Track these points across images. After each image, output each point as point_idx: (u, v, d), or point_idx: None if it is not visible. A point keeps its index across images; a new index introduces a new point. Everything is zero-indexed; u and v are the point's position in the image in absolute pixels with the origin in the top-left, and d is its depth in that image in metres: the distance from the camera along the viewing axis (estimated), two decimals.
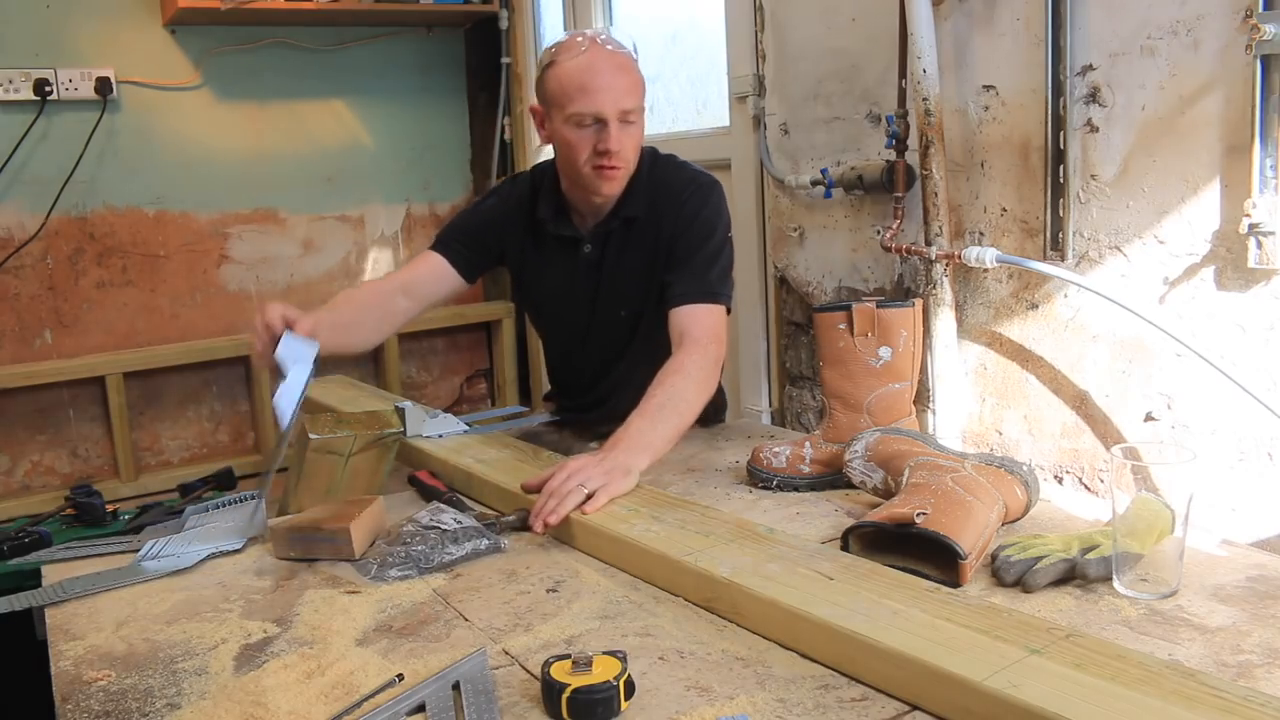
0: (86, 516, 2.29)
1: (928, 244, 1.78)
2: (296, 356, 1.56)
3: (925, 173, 1.75)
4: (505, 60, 3.29)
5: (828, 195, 2.01)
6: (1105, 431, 1.60)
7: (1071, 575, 1.16)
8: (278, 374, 1.56)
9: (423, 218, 3.49)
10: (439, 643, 1.10)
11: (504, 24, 3.26)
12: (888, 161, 1.86)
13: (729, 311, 1.74)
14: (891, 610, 1.02)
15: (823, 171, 2.01)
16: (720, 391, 2.03)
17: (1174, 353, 1.48)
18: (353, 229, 3.38)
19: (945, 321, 1.78)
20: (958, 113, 1.75)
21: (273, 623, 1.17)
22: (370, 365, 3.39)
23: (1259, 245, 1.34)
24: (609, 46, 1.68)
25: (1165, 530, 1.13)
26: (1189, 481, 1.14)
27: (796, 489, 1.57)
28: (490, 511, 1.52)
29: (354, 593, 1.24)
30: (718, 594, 1.13)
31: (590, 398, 2.00)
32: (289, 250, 3.28)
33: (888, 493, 1.42)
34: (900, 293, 1.92)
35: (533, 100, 1.77)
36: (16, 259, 2.88)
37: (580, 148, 1.68)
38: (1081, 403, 1.63)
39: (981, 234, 1.75)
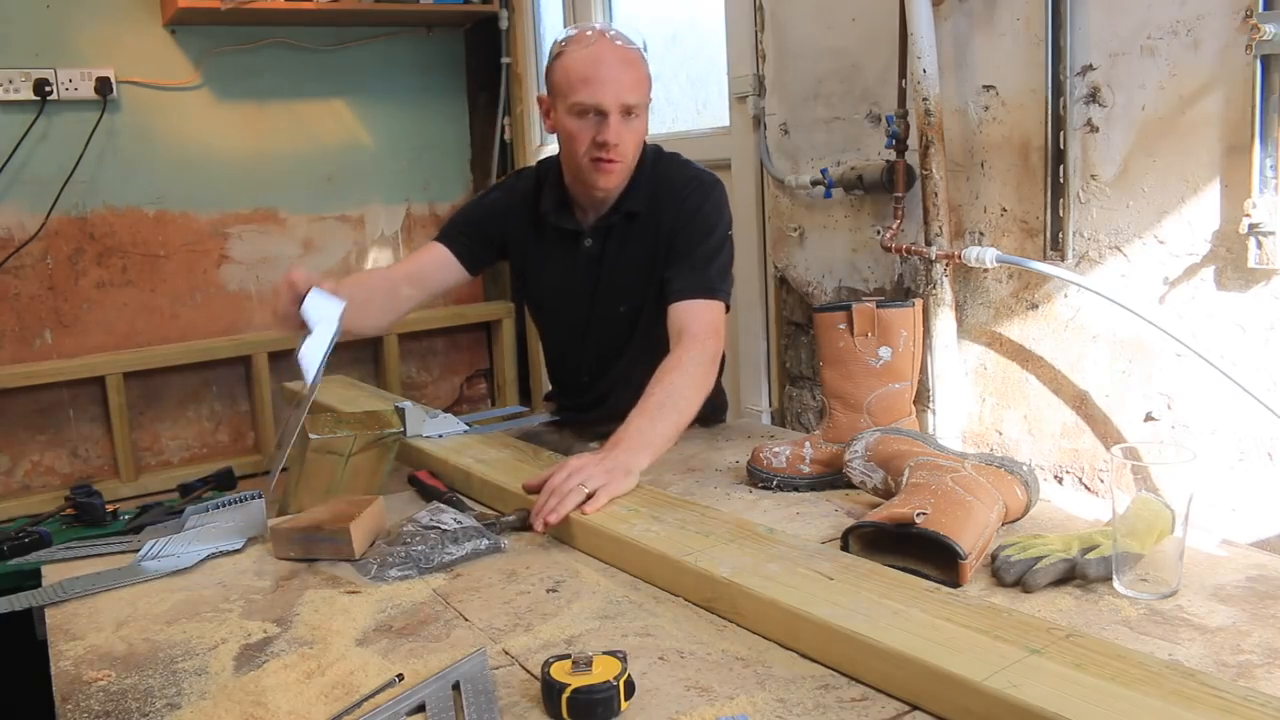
0: (86, 516, 2.29)
1: (928, 244, 1.78)
2: (323, 312, 1.56)
3: (925, 173, 1.75)
4: (505, 60, 3.29)
5: (828, 195, 2.01)
6: (1105, 431, 1.60)
7: (1071, 575, 1.16)
8: (299, 331, 1.56)
9: (423, 218, 3.49)
10: (439, 643, 1.10)
11: (504, 24, 3.26)
12: (888, 161, 1.86)
13: (728, 309, 1.75)
14: (891, 610, 1.02)
15: (823, 171, 2.01)
16: (721, 391, 2.03)
17: (1174, 353, 1.48)
18: (353, 229, 3.38)
19: (945, 321, 1.78)
20: (958, 113, 1.75)
21: (273, 623, 1.17)
22: (370, 365, 3.39)
23: (1259, 245, 1.34)
24: (618, 41, 1.69)
25: (1165, 530, 1.13)
26: (1189, 481, 1.14)
27: (796, 489, 1.57)
28: (490, 511, 1.52)
29: (354, 593, 1.24)
30: (718, 594, 1.13)
31: (589, 397, 2.00)
32: (289, 250, 3.28)
33: (888, 493, 1.42)
34: (900, 293, 1.92)
35: (541, 91, 1.79)
36: (16, 259, 2.88)
37: (580, 138, 1.69)
38: (1081, 403, 1.63)
39: (981, 234, 1.75)
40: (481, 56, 3.40)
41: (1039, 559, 1.17)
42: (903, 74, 1.81)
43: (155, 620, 1.19)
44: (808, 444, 1.60)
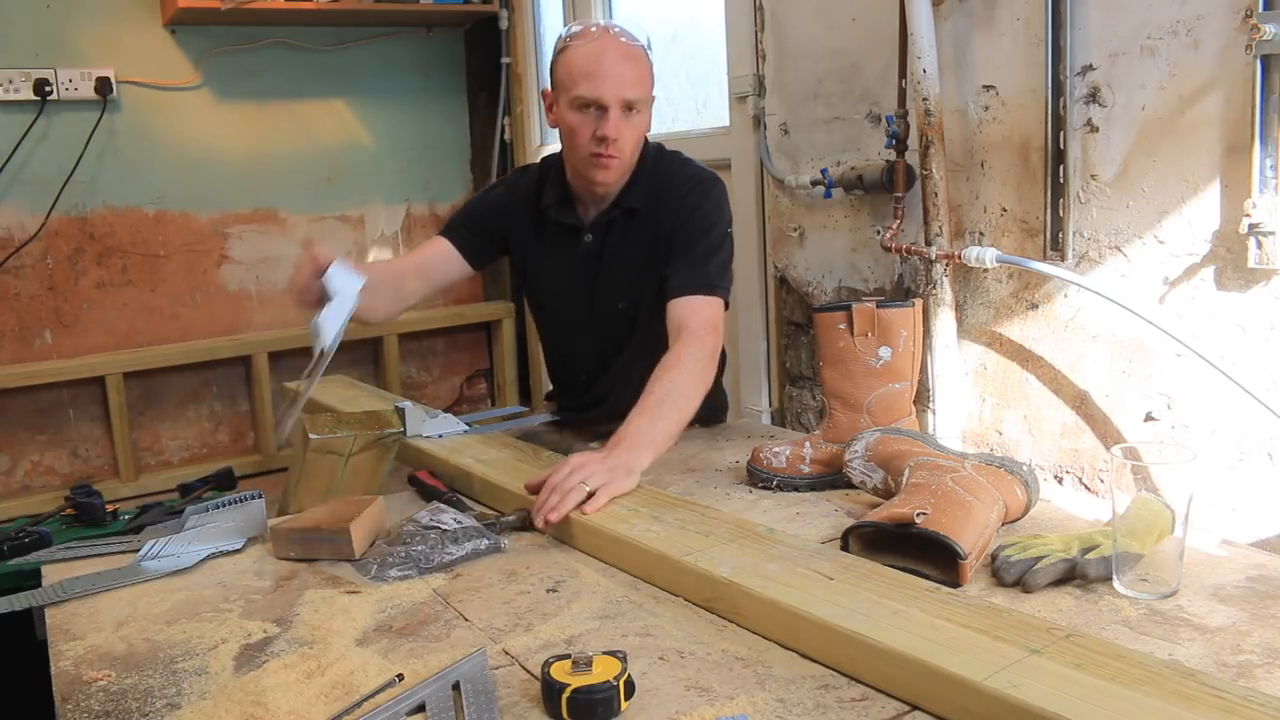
0: (86, 516, 2.28)
1: (928, 244, 1.78)
2: (343, 284, 1.59)
3: (925, 173, 1.75)
4: (505, 60, 3.29)
5: (828, 195, 2.01)
6: (1105, 431, 1.60)
7: (1071, 575, 1.16)
8: (318, 304, 1.60)
9: (423, 218, 3.49)
10: (439, 643, 1.10)
11: (504, 24, 3.26)
12: (888, 161, 1.86)
13: (727, 306, 1.75)
14: (891, 610, 1.02)
15: (823, 171, 2.01)
16: (721, 391, 2.03)
17: (1174, 353, 1.48)
18: (353, 229, 3.38)
19: (945, 321, 1.78)
20: (958, 113, 1.75)
21: (273, 623, 1.17)
22: (370, 365, 3.39)
23: (1259, 245, 1.34)
24: (621, 38, 1.71)
25: (1165, 530, 1.13)
26: (1189, 481, 1.14)
27: (796, 489, 1.57)
28: (490, 511, 1.52)
29: (354, 593, 1.24)
30: (718, 594, 1.13)
31: (589, 396, 2.00)
32: (289, 250, 3.28)
33: (888, 493, 1.42)
34: (900, 293, 1.92)
35: (544, 89, 1.81)
36: (16, 259, 2.88)
37: (581, 132, 1.70)
38: (1081, 403, 1.63)
39: (981, 234, 1.75)
40: (481, 56, 3.40)
41: (1039, 559, 1.17)
42: (903, 74, 1.81)
43: (155, 620, 1.19)
44: (808, 444, 1.60)
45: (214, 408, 3.19)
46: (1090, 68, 1.54)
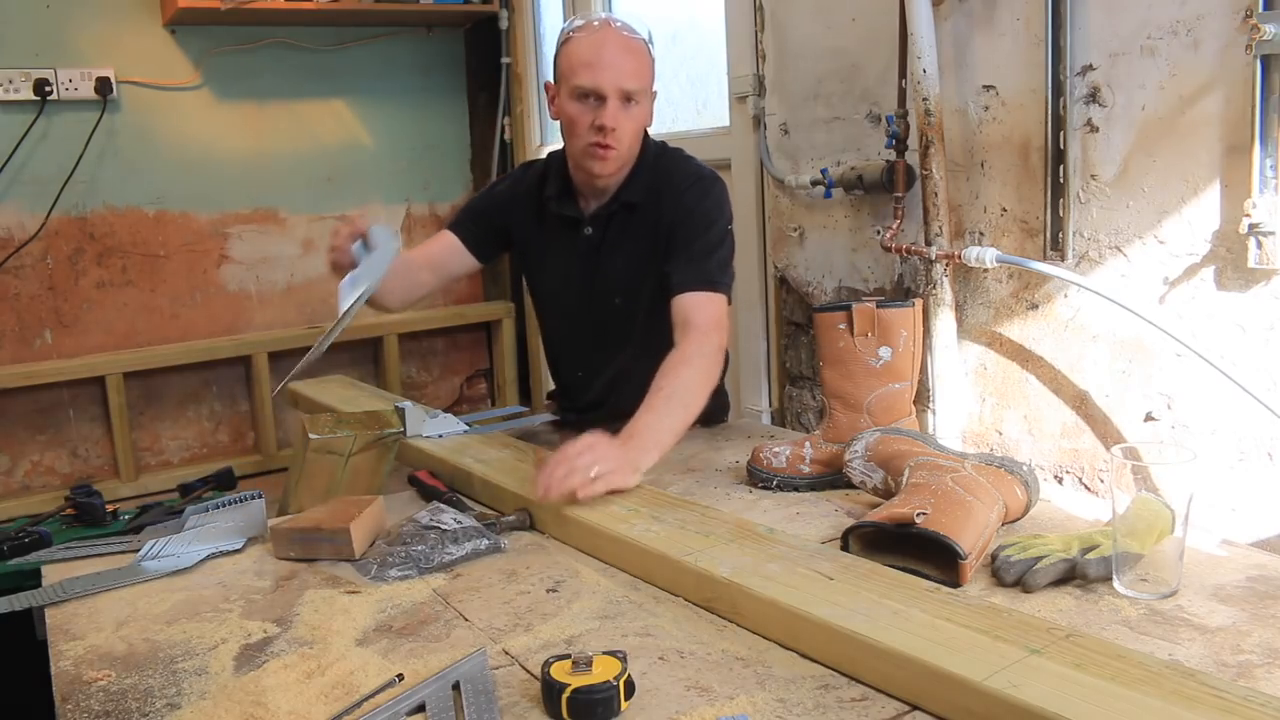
0: (86, 516, 2.29)
1: (928, 244, 1.78)
2: (384, 239, 1.66)
3: (925, 173, 1.75)
4: (505, 60, 3.29)
5: (828, 195, 2.01)
6: (1105, 431, 1.60)
7: (1071, 575, 1.16)
8: (351, 268, 1.65)
9: (423, 218, 3.49)
10: (439, 643, 1.10)
11: (504, 24, 3.26)
12: (888, 161, 1.86)
13: (729, 302, 1.75)
14: (891, 610, 1.02)
15: (823, 171, 2.01)
16: (723, 392, 2.03)
17: (1174, 353, 1.48)
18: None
19: (945, 321, 1.78)
20: (958, 113, 1.75)
21: (273, 623, 1.17)
22: (370, 365, 3.39)
23: (1259, 245, 1.34)
24: (623, 31, 1.73)
25: (1165, 530, 1.13)
26: (1189, 481, 1.14)
27: (796, 489, 1.57)
28: (490, 511, 1.52)
29: (354, 593, 1.24)
30: (718, 594, 1.13)
31: (589, 396, 2.00)
32: (289, 250, 3.28)
33: (888, 493, 1.42)
34: (900, 293, 1.92)
35: (548, 86, 1.83)
36: (16, 259, 2.88)
37: (579, 122, 1.72)
38: (1081, 403, 1.63)
39: (981, 234, 1.75)
40: (481, 56, 3.40)
41: (1039, 559, 1.17)
42: (903, 74, 1.81)
43: (155, 620, 1.19)
44: (808, 444, 1.59)
45: (214, 408, 3.19)
46: (1090, 68, 1.54)
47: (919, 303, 1.63)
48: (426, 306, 3.32)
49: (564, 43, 1.76)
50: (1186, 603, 1.11)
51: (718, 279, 1.73)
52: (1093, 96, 1.54)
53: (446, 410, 1.96)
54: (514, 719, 0.94)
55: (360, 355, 3.37)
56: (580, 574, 1.28)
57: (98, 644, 1.13)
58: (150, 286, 3.08)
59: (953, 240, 1.77)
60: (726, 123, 2.36)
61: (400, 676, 1.01)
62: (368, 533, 1.38)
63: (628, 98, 1.71)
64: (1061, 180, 1.59)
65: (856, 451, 1.49)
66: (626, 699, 0.94)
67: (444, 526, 1.37)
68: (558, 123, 1.81)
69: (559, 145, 1.88)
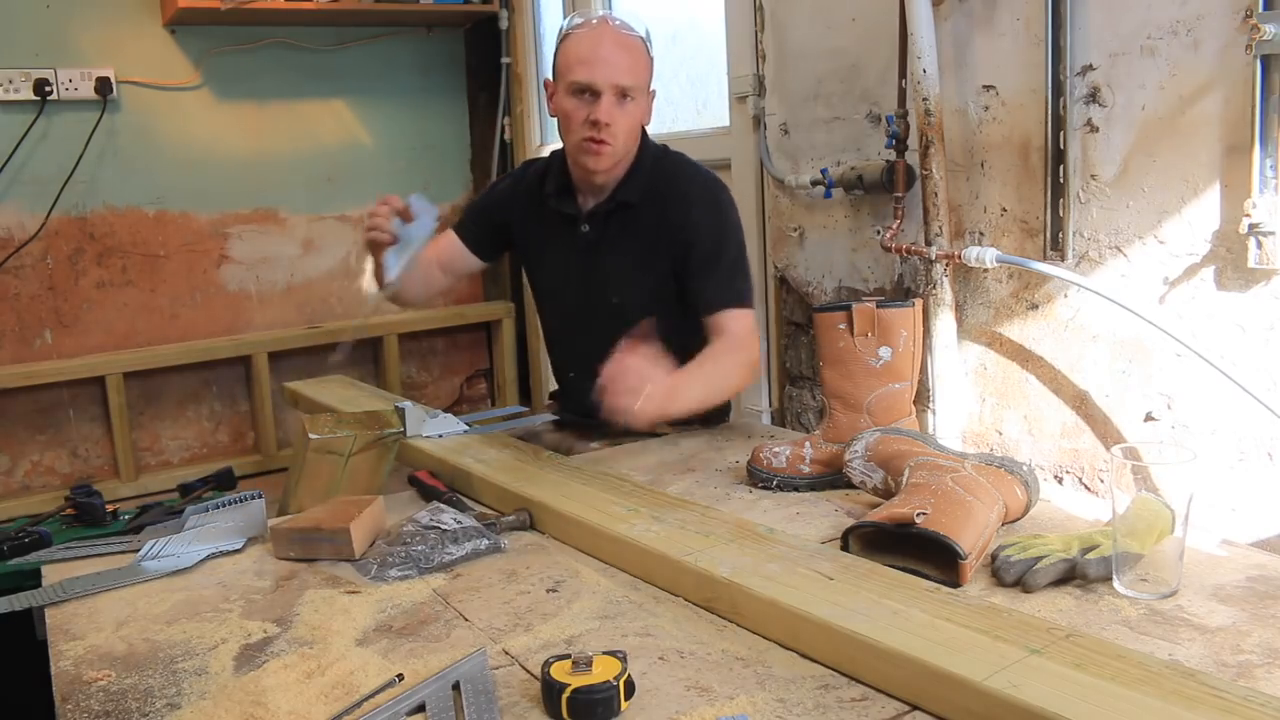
0: (86, 516, 2.29)
1: (928, 244, 1.78)
2: (423, 209, 1.68)
3: (925, 173, 1.75)
4: (505, 60, 3.29)
5: (828, 195, 2.01)
6: (1105, 431, 1.60)
7: (1071, 575, 1.16)
8: (391, 244, 1.68)
9: None
10: (439, 643, 1.10)
11: (504, 24, 3.26)
12: (888, 161, 1.86)
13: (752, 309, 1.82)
14: (891, 610, 1.02)
15: (823, 171, 2.01)
16: None
17: (1174, 353, 1.48)
18: (353, 229, 3.38)
19: (945, 321, 1.78)
20: (958, 113, 1.75)
21: (273, 623, 1.17)
22: (370, 365, 3.39)
23: (1259, 245, 1.34)
24: (622, 30, 1.75)
25: (1165, 530, 1.13)
26: (1189, 481, 1.14)
27: (796, 489, 1.57)
28: (490, 511, 1.52)
29: (354, 593, 1.24)
30: (718, 594, 1.13)
31: (590, 398, 2.00)
32: (289, 250, 3.28)
33: (888, 493, 1.42)
34: (900, 293, 1.92)
35: (547, 86, 1.85)
36: (16, 259, 2.88)
37: (574, 117, 1.75)
38: (1081, 403, 1.63)
39: (981, 234, 1.75)
40: (481, 56, 3.40)
41: (1039, 559, 1.17)
42: (903, 74, 1.81)
43: (155, 620, 1.19)
44: (808, 444, 1.59)
45: (214, 408, 3.19)
46: (1090, 68, 1.54)
47: (919, 303, 1.63)
48: (426, 306, 3.32)
49: (562, 40, 1.78)
50: (1186, 603, 1.11)
51: (746, 294, 1.79)
52: (1093, 96, 1.54)
53: (446, 410, 1.96)
54: (514, 719, 0.94)
55: (360, 355, 3.37)
56: (580, 574, 1.28)
57: (98, 644, 1.13)
58: (150, 286, 3.08)
59: (953, 240, 1.77)
60: (726, 123, 2.36)
61: (400, 676, 1.01)
62: (368, 533, 1.38)
63: (623, 94, 1.73)
64: (1061, 180, 1.59)
65: (856, 451, 1.49)
66: (626, 699, 0.94)
67: (444, 526, 1.37)
68: (557, 120, 1.83)
69: (559, 145, 1.88)
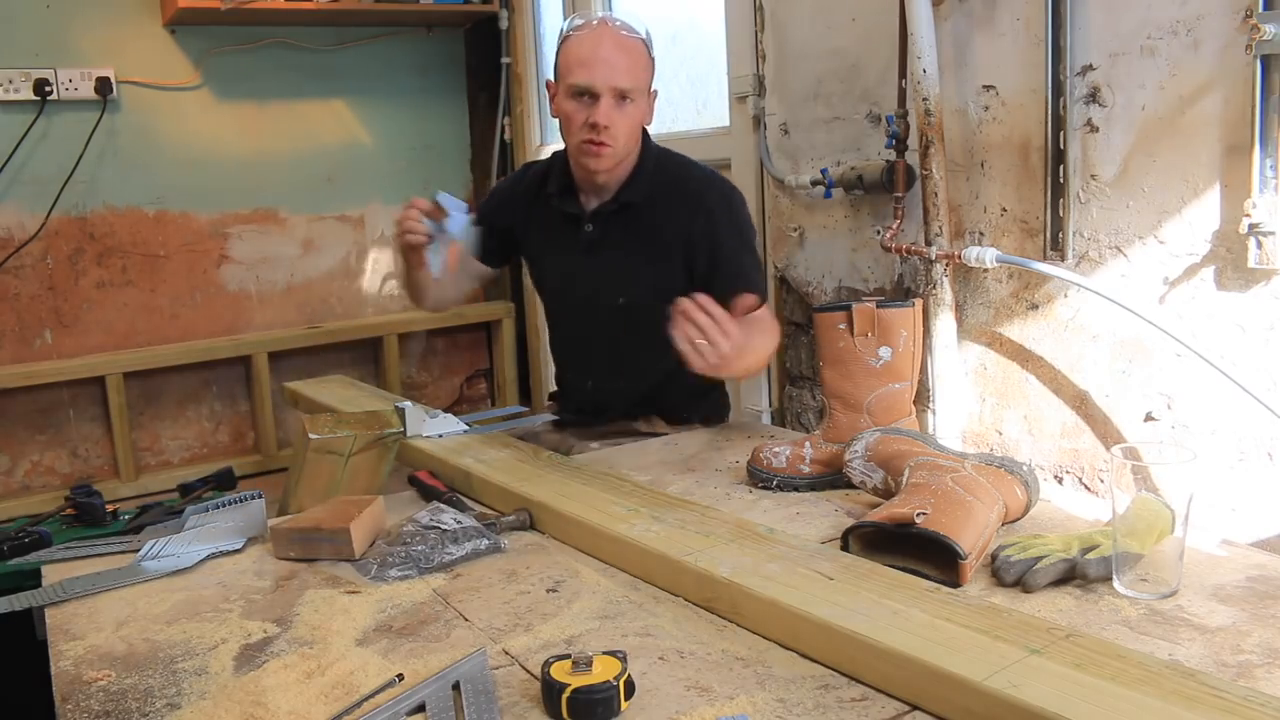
0: (86, 516, 2.29)
1: (928, 244, 1.78)
2: (453, 204, 1.73)
3: (925, 173, 1.75)
4: (505, 60, 3.29)
5: (828, 195, 2.01)
6: (1105, 431, 1.60)
7: (1071, 575, 1.16)
8: (425, 246, 1.73)
9: None
10: (439, 643, 1.10)
11: (504, 24, 3.26)
12: (888, 161, 1.86)
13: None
14: (891, 610, 1.02)
15: (823, 171, 2.01)
16: (722, 391, 2.03)
17: (1174, 353, 1.48)
18: (353, 229, 3.38)
19: (945, 321, 1.78)
20: (958, 113, 1.75)
21: (273, 623, 1.17)
22: (370, 365, 3.39)
23: (1259, 245, 1.34)
24: (622, 31, 1.76)
25: (1165, 530, 1.13)
26: (1189, 481, 1.14)
27: (796, 489, 1.57)
28: (490, 511, 1.52)
29: (354, 593, 1.24)
30: (718, 594, 1.13)
31: (593, 398, 2.00)
32: (289, 250, 3.28)
33: (888, 493, 1.42)
34: (900, 293, 1.92)
35: (548, 86, 1.86)
36: (16, 259, 2.88)
37: (574, 119, 1.76)
38: (1081, 403, 1.63)
39: (981, 234, 1.75)
40: (481, 56, 3.40)
41: (1039, 559, 1.17)
42: (903, 74, 1.81)
43: (155, 620, 1.19)
44: (808, 444, 1.59)
45: (214, 408, 3.19)
46: (1090, 68, 1.54)
47: (919, 303, 1.63)
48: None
49: (563, 41, 1.78)
50: (1186, 603, 1.11)
51: (764, 291, 1.84)
52: (1093, 96, 1.54)
53: (446, 410, 1.96)
54: (514, 719, 0.94)
55: (360, 355, 3.37)
56: (580, 574, 1.28)
57: (98, 644, 1.13)
58: (150, 286, 3.08)
59: (953, 240, 1.77)
60: (726, 123, 2.36)
61: (400, 676, 1.01)
62: (368, 533, 1.38)
63: (622, 96, 1.73)
64: (1061, 180, 1.59)
65: (856, 451, 1.49)
66: (626, 699, 0.94)
67: (444, 526, 1.37)
68: (558, 121, 1.83)
69: (559, 145, 1.89)
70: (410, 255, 1.78)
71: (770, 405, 2.33)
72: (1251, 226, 1.33)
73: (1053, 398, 1.67)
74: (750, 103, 2.23)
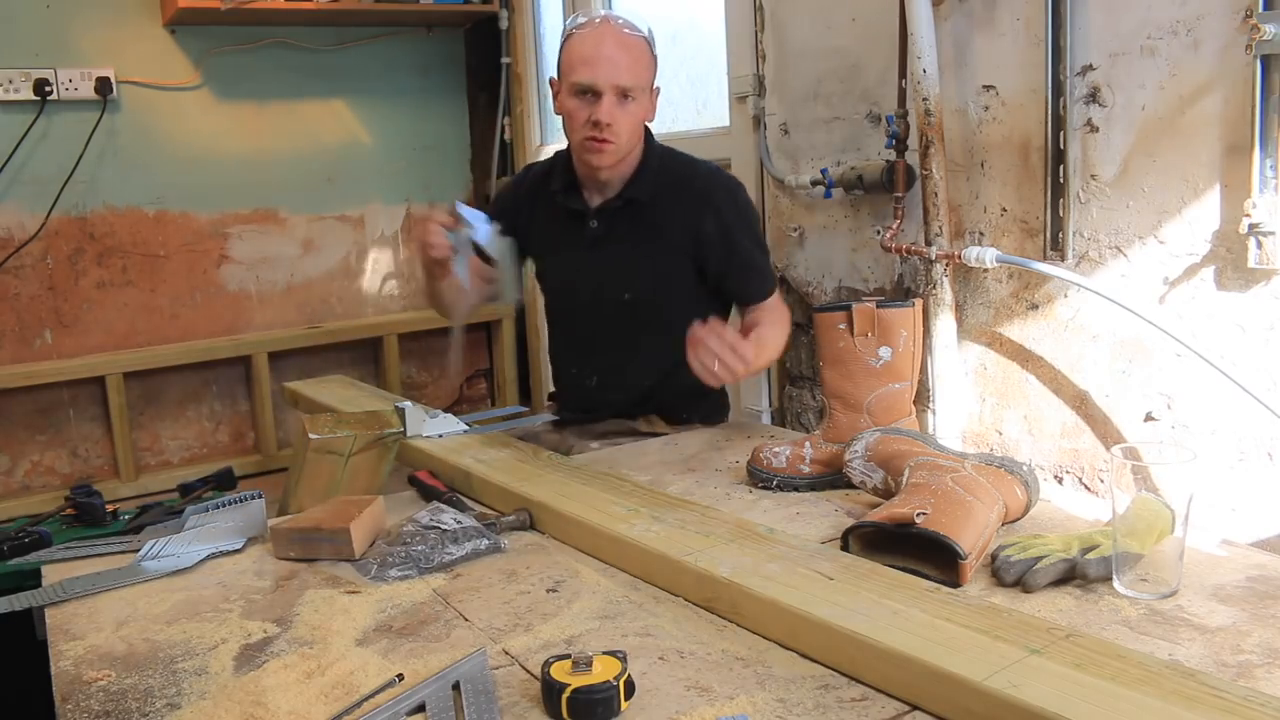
0: (86, 516, 2.28)
1: (928, 244, 1.78)
2: (474, 216, 1.75)
3: (925, 173, 1.75)
4: (505, 60, 3.29)
5: (828, 195, 2.01)
6: (1105, 431, 1.60)
7: (1071, 575, 1.16)
8: (449, 260, 1.74)
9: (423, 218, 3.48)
10: (439, 643, 1.10)
11: (504, 24, 3.26)
12: (888, 161, 1.86)
13: None
14: (891, 610, 1.02)
15: (823, 171, 2.01)
16: (722, 391, 2.03)
17: (1174, 353, 1.48)
18: (353, 229, 3.38)
19: (945, 321, 1.78)
20: (958, 113, 1.75)
21: (273, 623, 1.17)
22: (370, 365, 3.39)
23: (1259, 245, 1.34)
24: (624, 29, 1.77)
25: (1165, 530, 1.13)
26: (1189, 481, 1.14)
27: (796, 489, 1.57)
28: (490, 511, 1.52)
29: (354, 593, 1.24)
30: (718, 594, 1.13)
31: (595, 397, 2.00)
32: (289, 250, 3.28)
33: (888, 493, 1.42)
34: (900, 293, 1.92)
35: (550, 85, 1.87)
36: (16, 259, 2.88)
37: (577, 117, 1.77)
38: (1081, 403, 1.63)
39: (981, 234, 1.75)
40: (481, 56, 3.40)
41: (1039, 559, 1.17)
42: (903, 74, 1.81)
43: (155, 620, 1.19)
44: (808, 444, 1.59)
45: (214, 408, 3.19)
46: (1090, 68, 1.54)
47: (919, 303, 1.63)
48: (425, 305, 3.32)
49: (565, 40, 1.80)
50: (1186, 603, 1.11)
51: (775, 284, 1.91)
52: (1093, 96, 1.54)
53: (446, 410, 1.96)
54: (514, 719, 0.94)
55: (360, 355, 3.37)
56: (580, 574, 1.28)
57: (98, 644, 1.13)
58: (150, 286, 3.08)
59: (953, 240, 1.77)
60: (726, 123, 2.36)
61: (400, 676, 1.01)
62: (368, 533, 1.38)
63: (624, 94, 1.75)
64: (1061, 180, 1.59)
65: (856, 451, 1.49)
66: (626, 699, 0.94)
67: (444, 526, 1.37)
68: (560, 120, 1.85)
69: (559, 144, 1.90)
70: (434, 268, 1.79)
71: (770, 405, 2.32)
72: (1251, 226, 1.33)
73: (1053, 398, 1.67)
74: (750, 103, 2.23)
